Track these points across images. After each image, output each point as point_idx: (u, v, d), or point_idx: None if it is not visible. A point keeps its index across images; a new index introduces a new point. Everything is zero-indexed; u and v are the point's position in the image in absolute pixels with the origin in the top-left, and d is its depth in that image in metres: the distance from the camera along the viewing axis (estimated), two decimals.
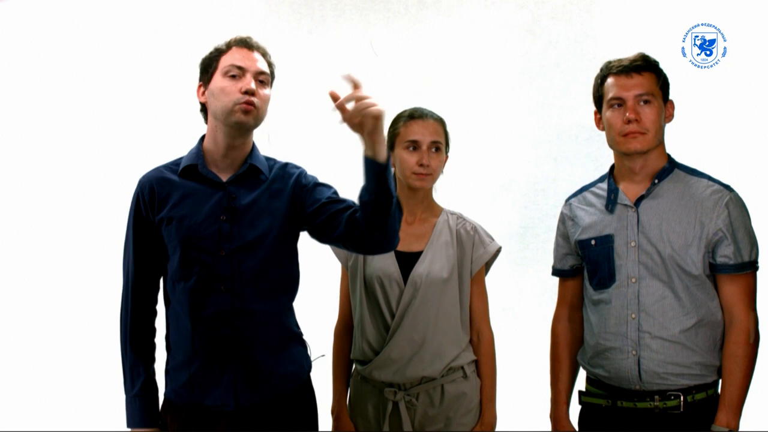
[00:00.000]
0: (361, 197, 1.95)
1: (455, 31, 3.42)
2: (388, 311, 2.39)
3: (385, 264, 2.38)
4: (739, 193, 2.24)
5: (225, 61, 2.11)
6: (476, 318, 2.44)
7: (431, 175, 2.39)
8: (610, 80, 2.25)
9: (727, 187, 2.23)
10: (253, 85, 2.08)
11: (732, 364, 2.17)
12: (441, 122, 2.44)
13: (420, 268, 2.38)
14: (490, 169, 3.39)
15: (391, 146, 2.43)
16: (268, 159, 2.22)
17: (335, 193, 2.17)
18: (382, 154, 1.87)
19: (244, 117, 2.08)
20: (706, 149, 2.93)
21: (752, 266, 2.20)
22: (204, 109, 2.18)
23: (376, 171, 1.88)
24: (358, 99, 1.83)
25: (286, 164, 2.23)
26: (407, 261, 2.39)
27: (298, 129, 3.44)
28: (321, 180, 2.21)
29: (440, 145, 2.41)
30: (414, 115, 2.42)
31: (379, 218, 1.94)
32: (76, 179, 3.62)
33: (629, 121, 2.20)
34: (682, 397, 2.17)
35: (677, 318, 2.19)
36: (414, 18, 3.46)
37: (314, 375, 2.27)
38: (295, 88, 3.44)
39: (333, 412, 2.49)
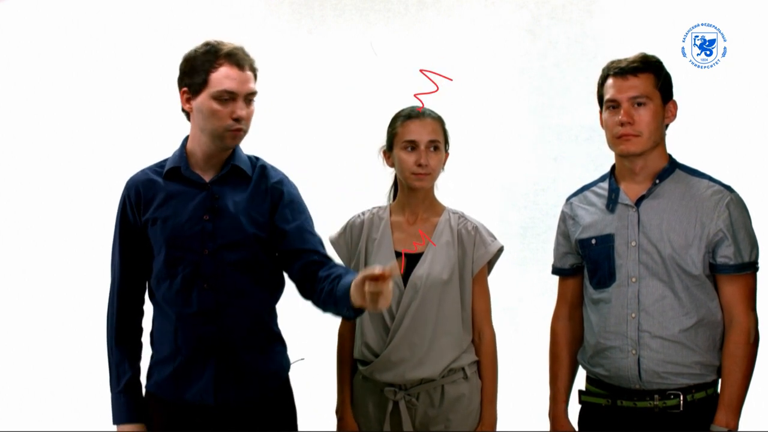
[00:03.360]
0: (329, 298, 2.05)
1: (455, 31, 3.43)
2: (387, 313, 2.38)
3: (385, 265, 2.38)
4: (740, 193, 2.23)
5: (215, 82, 2.08)
6: (478, 318, 2.43)
7: (430, 174, 2.38)
8: (608, 81, 2.26)
9: (728, 188, 2.23)
10: (243, 112, 2.10)
11: (731, 364, 2.17)
12: (439, 120, 2.43)
13: (420, 270, 2.37)
14: (490, 169, 3.39)
15: (390, 146, 2.43)
16: (250, 158, 2.24)
17: (306, 220, 2.21)
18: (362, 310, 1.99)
19: (232, 141, 2.14)
20: (707, 149, 2.93)
21: (752, 267, 2.20)
22: (185, 110, 2.19)
23: (349, 315, 2.03)
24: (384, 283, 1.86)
25: (265, 166, 2.24)
26: (408, 262, 2.38)
27: (297, 129, 3.44)
28: (302, 193, 2.24)
29: (439, 144, 2.39)
30: (411, 115, 2.40)
31: (337, 314, 2.12)
32: (74, 179, 3.61)
33: (622, 124, 2.21)
34: (681, 397, 2.18)
35: (677, 318, 2.19)
36: (414, 18, 3.46)
37: (298, 376, 2.29)
38: (295, 88, 3.45)
39: (337, 413, 2.49)
